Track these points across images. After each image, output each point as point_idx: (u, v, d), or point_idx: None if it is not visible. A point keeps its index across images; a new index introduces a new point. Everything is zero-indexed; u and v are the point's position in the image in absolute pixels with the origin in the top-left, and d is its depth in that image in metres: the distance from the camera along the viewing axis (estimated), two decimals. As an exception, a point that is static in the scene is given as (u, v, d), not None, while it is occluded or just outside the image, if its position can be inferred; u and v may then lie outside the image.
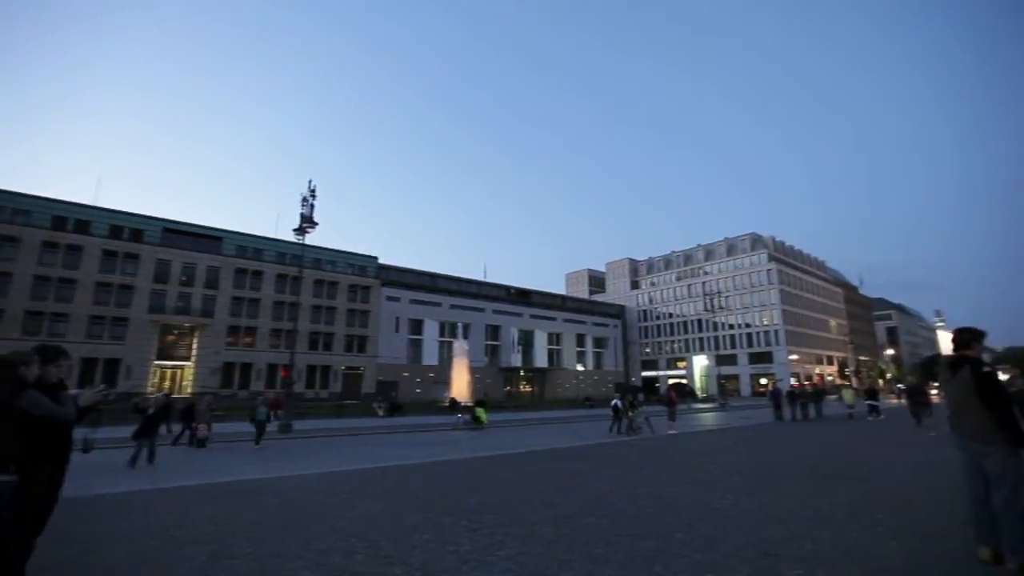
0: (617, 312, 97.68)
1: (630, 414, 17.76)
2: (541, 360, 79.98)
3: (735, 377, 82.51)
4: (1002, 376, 4.99)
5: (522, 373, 77.40)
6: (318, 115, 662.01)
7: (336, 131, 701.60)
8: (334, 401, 46.87)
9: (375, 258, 67.07)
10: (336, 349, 59.13)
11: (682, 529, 5.07)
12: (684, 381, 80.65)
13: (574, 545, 4.57)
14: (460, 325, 69.74)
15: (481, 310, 74.54)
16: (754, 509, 5.96)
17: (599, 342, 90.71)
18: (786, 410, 23.39)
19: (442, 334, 69.81)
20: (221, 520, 5.69)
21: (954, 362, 4.22)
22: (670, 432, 17.71)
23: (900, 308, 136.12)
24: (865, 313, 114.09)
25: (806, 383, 37.74)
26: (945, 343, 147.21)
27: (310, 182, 22.86)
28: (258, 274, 55.61)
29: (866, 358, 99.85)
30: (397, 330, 65.43)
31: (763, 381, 77.70)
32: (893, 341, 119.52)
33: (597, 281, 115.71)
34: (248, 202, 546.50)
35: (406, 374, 63.95)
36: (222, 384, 49.60)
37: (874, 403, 23.02)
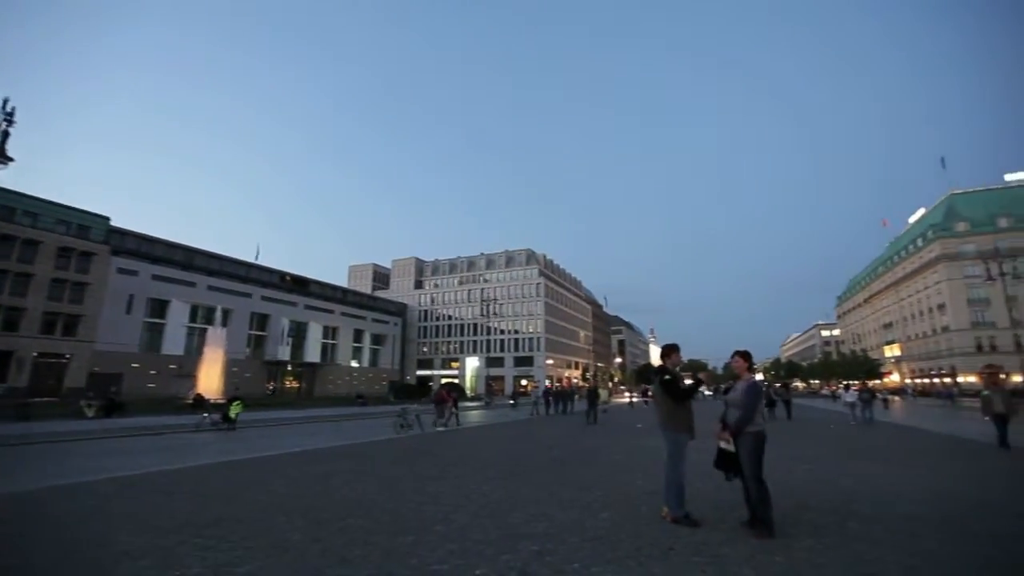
0: (399, 310, 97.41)
1: (454, 409, 20.63)
2: (313, 354, 74.61)
3: (501, 378, 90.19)
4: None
5: (290, 368, 70.85)
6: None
7: (91, 83, 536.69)
8: (16, 399, 35.36)
9: (106, 219, 53.23)
10: (26, 330, 44.87)
11: (440, 522, 5.33)
12: (456, 380, 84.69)
13: (329, 550, 4.39)
14: (219, 310, 60.21)
15: (248, 295, 65.88)
16: (505, 496, 6.63)
17: (378, 339, 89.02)
18: (551, 407, 27.18)
19: (194, 319, 59.40)
20: None
21: (657, 369, 5.75)
22: (438, 429, 18.43)
23: (629, 325, 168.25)
24: (605, 327, 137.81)
25: (558, 384, 43.88)
26: (655, 355, 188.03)
27: (6, 102, 17.05)
28: None
29: (602, 364, 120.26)
30: (129, 311, 53.05)
31: (523, 382, 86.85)
32: (622, 352, 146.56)
33: (382, 277, 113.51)
34: None
35: (136, 365, 52.25)
36: None
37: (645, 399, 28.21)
